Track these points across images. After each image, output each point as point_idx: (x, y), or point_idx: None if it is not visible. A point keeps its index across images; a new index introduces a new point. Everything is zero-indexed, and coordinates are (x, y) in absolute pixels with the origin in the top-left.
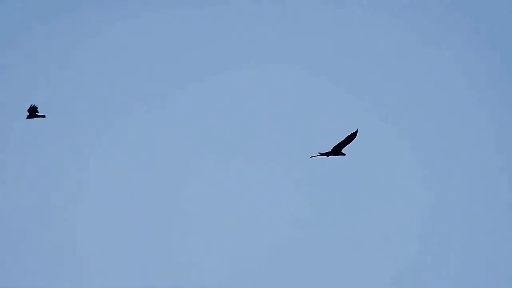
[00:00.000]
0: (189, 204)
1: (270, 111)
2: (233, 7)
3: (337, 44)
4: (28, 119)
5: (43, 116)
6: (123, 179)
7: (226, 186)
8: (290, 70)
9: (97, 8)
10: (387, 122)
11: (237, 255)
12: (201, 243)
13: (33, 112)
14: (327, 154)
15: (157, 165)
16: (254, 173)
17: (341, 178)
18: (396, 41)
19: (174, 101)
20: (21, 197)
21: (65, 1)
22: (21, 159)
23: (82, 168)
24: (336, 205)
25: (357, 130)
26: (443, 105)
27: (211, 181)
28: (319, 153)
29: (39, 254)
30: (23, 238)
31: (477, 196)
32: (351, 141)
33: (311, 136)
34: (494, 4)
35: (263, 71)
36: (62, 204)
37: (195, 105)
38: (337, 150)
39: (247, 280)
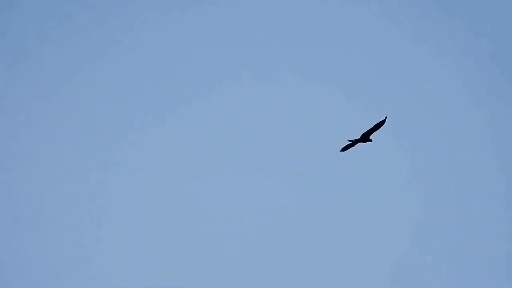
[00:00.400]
0: (191, 208)
1: (269, 117)
2: (225, 14)
3: (333, 46)
4: None
5: None
6: (125, 186)
7: (227, 193)
8: (287, 74)
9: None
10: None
11: (235, 256)
12: (200, 246)
13: None
14: (357, 141)
15: (159, 175)
16: (254, 180)
17: (340, 178)
18: (393, 42)
19: (173, 117)
20: (25, 200)
21: (61, 13)
22: (23, 166)
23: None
24: (335, 205)
25: (385, 117)
26: (442, 106)
27: (212, 190)
28: (348, 140)
29: (42, 255)
30: (27, 239)
31: (475, 196)
32: (379, 128)
33: (310, 138)
34: (491, 4)
35: (261, 82)
36: (66, 209)
37: (196, 119)
38: (365, 137)
39: (245, 280)
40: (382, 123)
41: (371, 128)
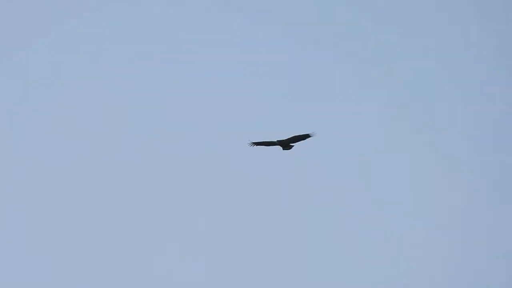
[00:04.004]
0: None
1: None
2: None
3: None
4: None
5: None
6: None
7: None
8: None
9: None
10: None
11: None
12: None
13: None
14: (275, 143)
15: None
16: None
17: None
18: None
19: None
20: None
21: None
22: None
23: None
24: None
25: (311, 133)
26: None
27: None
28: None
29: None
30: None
31: (473, 196)
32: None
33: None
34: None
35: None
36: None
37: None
38: (285, 143)
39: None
40: (305, 136)
41: (293, 137)
